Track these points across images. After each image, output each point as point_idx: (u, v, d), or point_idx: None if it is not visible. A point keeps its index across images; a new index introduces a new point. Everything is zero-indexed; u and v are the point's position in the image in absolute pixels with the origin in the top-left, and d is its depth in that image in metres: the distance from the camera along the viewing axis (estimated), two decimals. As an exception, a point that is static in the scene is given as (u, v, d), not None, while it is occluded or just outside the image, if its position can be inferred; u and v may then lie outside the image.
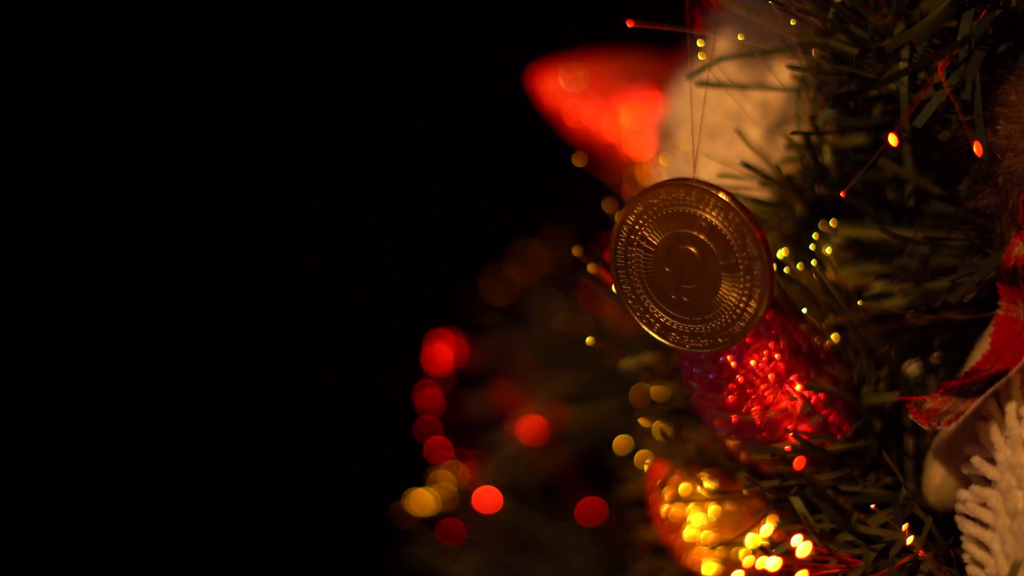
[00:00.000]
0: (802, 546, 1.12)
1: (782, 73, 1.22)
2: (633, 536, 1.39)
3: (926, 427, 1.07)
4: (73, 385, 2.22)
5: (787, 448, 1.14)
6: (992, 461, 1.07)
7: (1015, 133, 1.07)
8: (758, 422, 1.15)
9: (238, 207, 2.25)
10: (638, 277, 1.11)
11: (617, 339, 1.46)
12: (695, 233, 1.08)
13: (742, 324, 1.09)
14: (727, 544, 1.24)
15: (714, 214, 1.07)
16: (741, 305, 1.08)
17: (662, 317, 1.11)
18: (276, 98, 2.25)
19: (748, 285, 1.08)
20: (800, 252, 1.19)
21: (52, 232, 2.23)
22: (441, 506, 1.73)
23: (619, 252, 1.11)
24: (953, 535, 1.11)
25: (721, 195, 1.07)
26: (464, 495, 1.71)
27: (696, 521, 1.28)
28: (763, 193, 1.22)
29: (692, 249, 1.09)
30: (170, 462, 2.23)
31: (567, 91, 1.62)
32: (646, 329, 1.11)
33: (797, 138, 1.18)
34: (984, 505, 1.07)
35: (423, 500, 1.73)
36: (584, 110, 1.62)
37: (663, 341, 1.11)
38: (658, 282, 1.10)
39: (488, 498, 1.71)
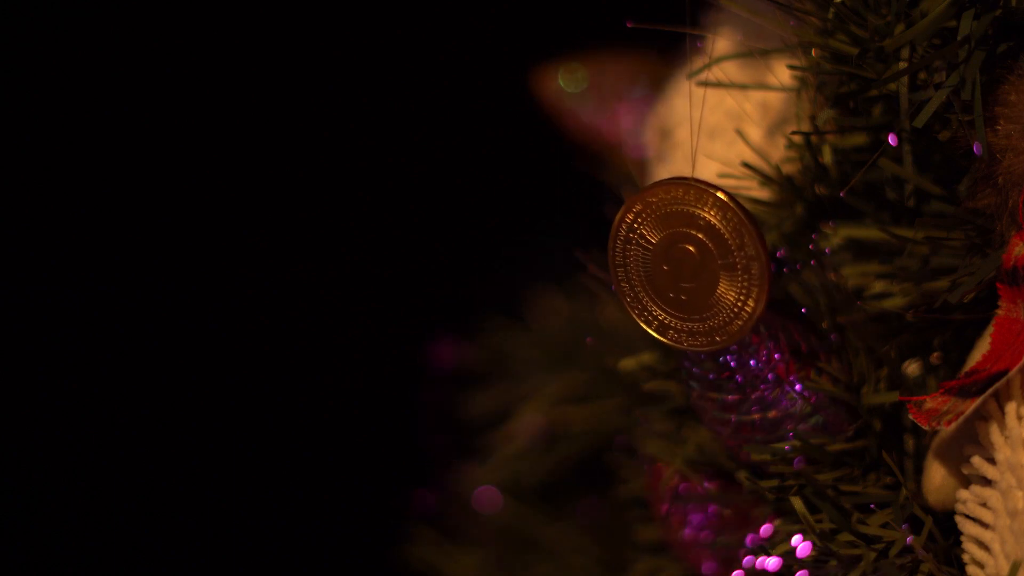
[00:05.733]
0: (802, 546, 1.12)
1: (782, 73, 1.22)
2: (633, 536, 1.39)
3: (926, 427, 1.07)
4: (73, 385, 2.22)
5: (787, 448, 1.14)
6: (992, 461, 1.07)
7: (1015, 133, 1.07)
8: (758, 422, 1.15)
9: (238, 207, 2.25)
10: (636, 275, 1.11)
11: (617, 339, 1.46)
12: (694, 232, 1.08)
13: (740, 323, 1.09)
14: (727, 544, 1.24)
15: (712, 213, 1.07)
16: (739, 304, 1.08)
17: (660, 315, 1.11)
18: (277, 98, 2.25)
19: (746, 284, 1.08)
20: (800, 252, 1.19)
21: (52, 232, 2.22)
22: (443, 506, 1.73)
23: (618, 250, 1.11)
24: (953, 535, 1.11)
25: (719, 194, 1.07)
26: (464, 495, 1.71)
27: (696, 521, 1.28)
28: (763, 193, 1.22)
29: (690, 248, 1.09)
30: (170, 462, 2.23)
31: (568, 91, 1.62)
32: (644, 327, 1.11)
33: (797, 138, 1.18)
34: (984, 505, 1.07)
35: (425, 498, 1.73)
36: (585, 111, 1.62)
37: (661, 339, 1.11)
38: (656, 280, 1.10)
39: (488, 498, 1.70)
